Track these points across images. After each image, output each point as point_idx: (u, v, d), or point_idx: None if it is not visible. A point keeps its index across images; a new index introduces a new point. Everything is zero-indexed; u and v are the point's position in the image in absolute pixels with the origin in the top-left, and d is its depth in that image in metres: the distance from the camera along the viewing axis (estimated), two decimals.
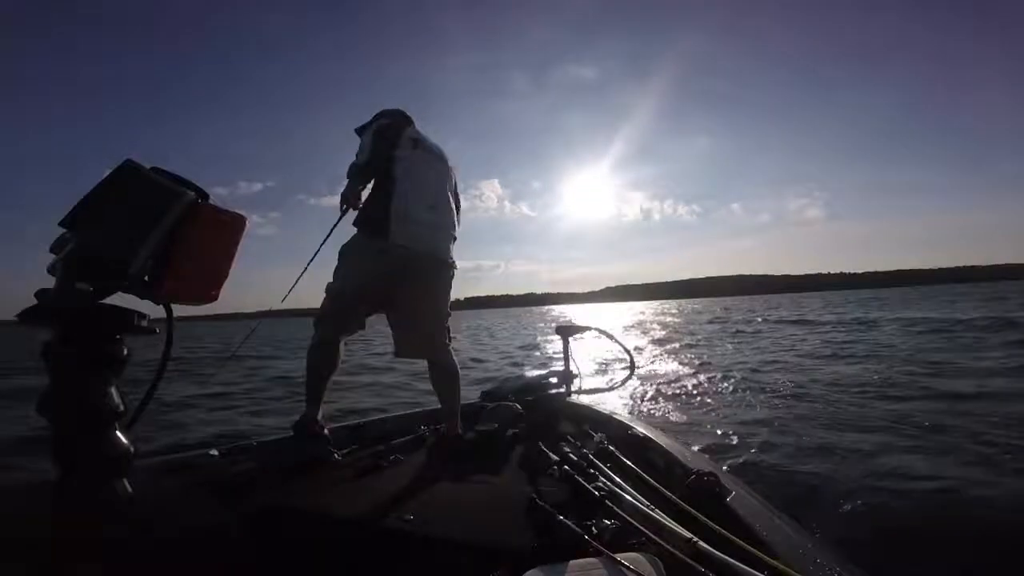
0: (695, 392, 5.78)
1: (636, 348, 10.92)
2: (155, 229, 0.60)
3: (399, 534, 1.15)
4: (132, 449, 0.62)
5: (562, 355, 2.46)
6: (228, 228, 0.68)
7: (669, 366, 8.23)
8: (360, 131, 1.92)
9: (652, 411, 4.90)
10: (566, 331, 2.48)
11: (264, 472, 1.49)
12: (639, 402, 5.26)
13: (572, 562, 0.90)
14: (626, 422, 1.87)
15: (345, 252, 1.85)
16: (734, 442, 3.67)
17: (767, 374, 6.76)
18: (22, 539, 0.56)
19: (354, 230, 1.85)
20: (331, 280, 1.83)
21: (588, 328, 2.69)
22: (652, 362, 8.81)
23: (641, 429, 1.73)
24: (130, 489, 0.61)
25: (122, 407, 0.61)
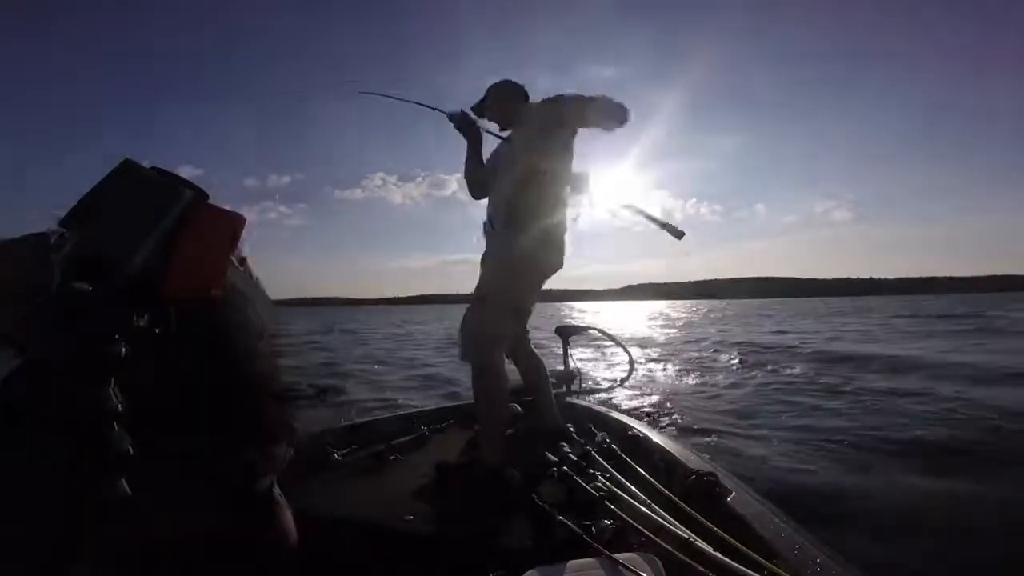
0: (696, 392, 5.78)
1: (661, 351, 10.90)
2: (154, 228, 0.60)
3: (399, 534, 1.15)
4: (132, 449, 0.61)
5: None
6: (227, 227, 0.69)
7: (671, 367, 8.22)
8: (474, 109, 1.91)
9: (652, 411, 4.89)
10: (566, 331, 2.47)
11: None
12: (639, 402, 5.26)
13: (571, 562, 0.90)
14: (625, 422, 1.86)
15: None
16: (733, 442, 3.67)
17: (769, 377, 6.75)
18: (22, 539, 0.56)
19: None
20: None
21: (588, 328, 2.69)
22: (654, 363, 8.80)
23: (641, 429, 1.72)
24: (130, 490, 0.61)
25: (121, 407, 0.61)
